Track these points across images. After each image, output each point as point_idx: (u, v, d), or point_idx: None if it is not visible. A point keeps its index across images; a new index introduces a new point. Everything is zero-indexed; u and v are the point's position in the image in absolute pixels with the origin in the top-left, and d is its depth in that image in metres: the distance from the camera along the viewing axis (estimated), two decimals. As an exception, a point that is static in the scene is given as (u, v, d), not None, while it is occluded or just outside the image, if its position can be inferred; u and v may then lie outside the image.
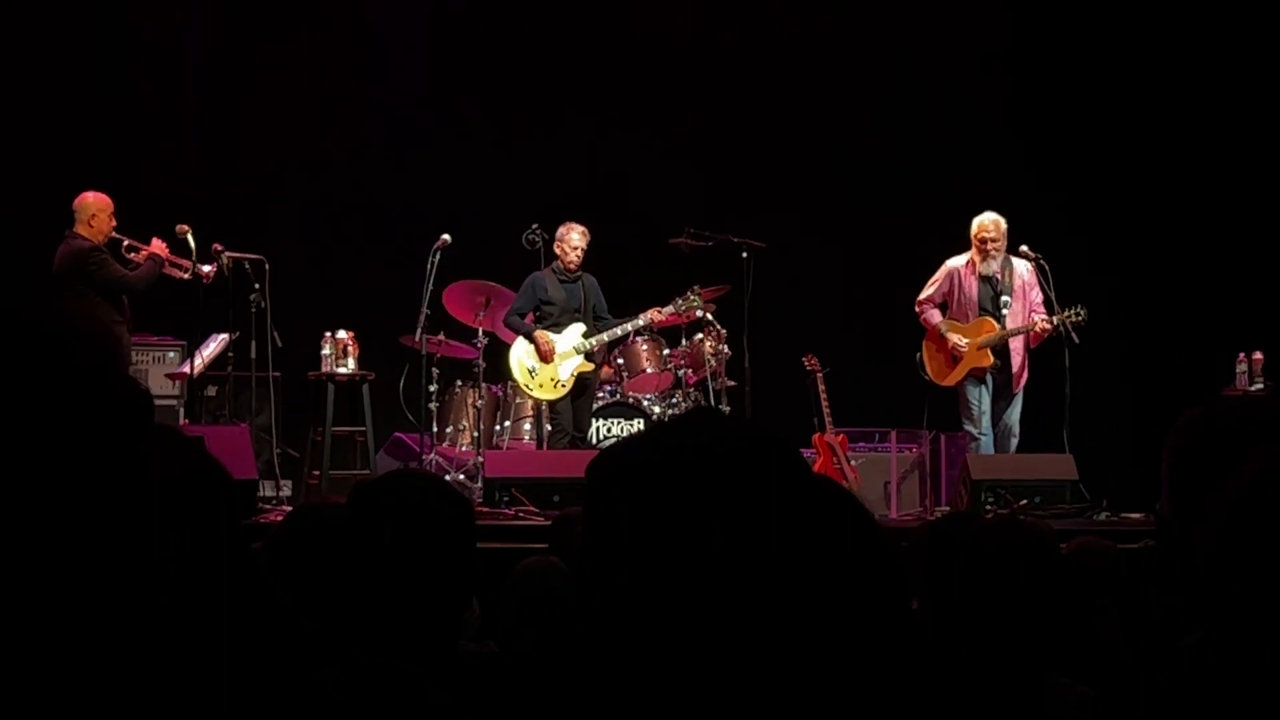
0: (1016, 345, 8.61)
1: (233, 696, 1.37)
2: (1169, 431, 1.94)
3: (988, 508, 7.76)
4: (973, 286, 8.65)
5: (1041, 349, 8.72)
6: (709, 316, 9.34)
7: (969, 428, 8.69)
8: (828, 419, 9.45)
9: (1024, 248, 8.73)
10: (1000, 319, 8.58)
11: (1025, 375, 8.66)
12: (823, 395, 9.47)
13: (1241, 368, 9.27)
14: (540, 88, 11.26)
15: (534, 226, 9.00)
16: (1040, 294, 8.64)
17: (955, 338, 8.62)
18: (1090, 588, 3.72)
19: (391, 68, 11.08)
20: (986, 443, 8.63)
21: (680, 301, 8.95)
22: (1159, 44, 10.53)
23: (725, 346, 9.37)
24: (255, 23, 10.87)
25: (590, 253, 9.01)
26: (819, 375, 9.53)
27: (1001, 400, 8.67)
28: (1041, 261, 8.66)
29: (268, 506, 7.80)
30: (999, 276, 8.61)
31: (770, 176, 11.37)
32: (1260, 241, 10.32)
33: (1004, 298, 8.59)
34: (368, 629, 2.24)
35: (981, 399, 8.63)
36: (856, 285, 11.26)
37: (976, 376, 8.63)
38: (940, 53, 11.35)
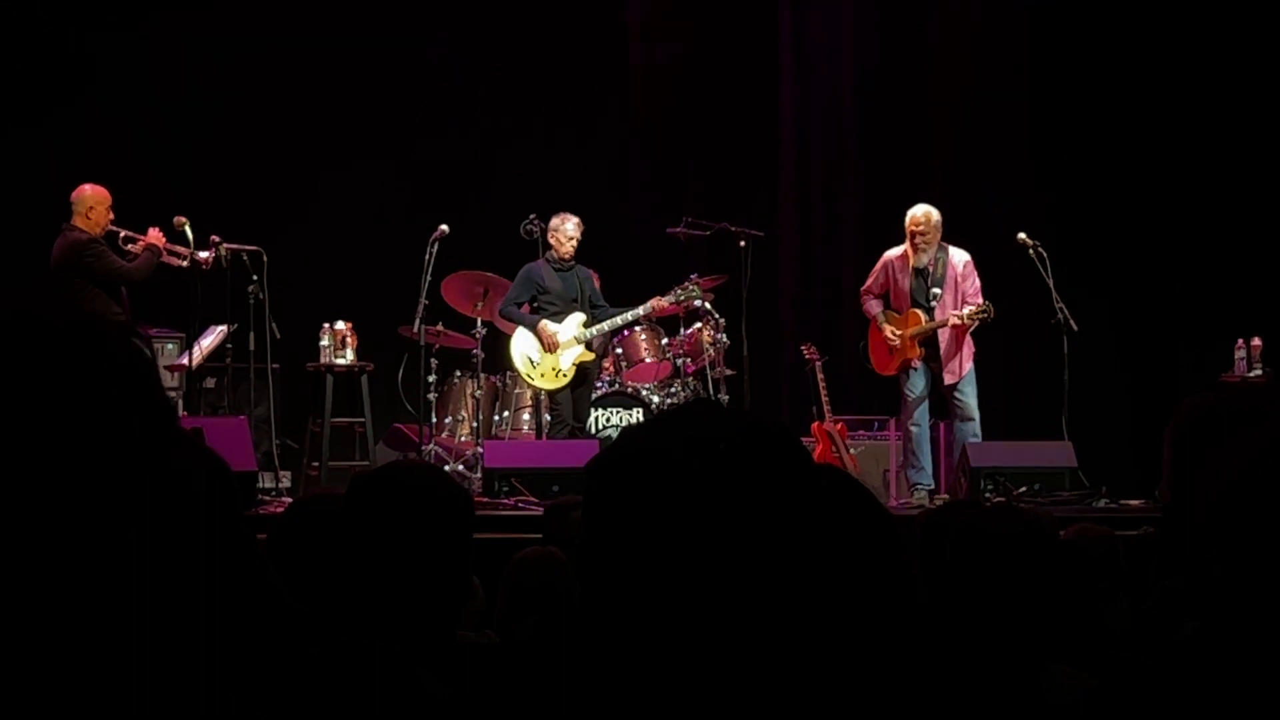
0: (945, 335, 8.56)
1: (240, 691, 1.37)
2: (1170, 419, 1.93)
3: (986, 495, 7.76)
4: (905, 279, 8.62)
5: (1042, 336, 8.70)
6: (707, 305, 9.32)
7: (904, 418, 8.72)
8: (826, 407, 9.46)
9: (1021, 235, 8.70)
10: (930, 311, 8.56)
11: (966, 364, 8.54)
12: (821, 384, 9.48)
13: (1240, 354, 9.25)
14: (537, 80, 11.24)
15: (531, 216, 8.98)
16: (975, 284, 8.57)
17: (888, 330, 8.64)
18: (1090, 574, 3.72)
19: (390, 61, 11.05)
20: (919, 433, 8.64)
21: (679, 291, 8.93)
22: (1153, 27, 10.51)
23: (724, 335, 9.35)
24: (255, 19, 10.83)
25: (588, 244, 9.00)
26: (817, 364, 9.54)
27: (948, 389, 8.61)
28: (1040, 249, 8.63)
29: (267, 498, 7.79)
30: (930, 268, 8.56)
31: (768, 169, 11.37)
32: (1258, 227, 10.30)
33: (934, 290, 8.55)
34: (367, 620, 2.23)
35: (914, 390, 8.62)
36: (855, 273, 11.24)
37: (908, 369, 8.63)
38: (936, 48, 11.33)
